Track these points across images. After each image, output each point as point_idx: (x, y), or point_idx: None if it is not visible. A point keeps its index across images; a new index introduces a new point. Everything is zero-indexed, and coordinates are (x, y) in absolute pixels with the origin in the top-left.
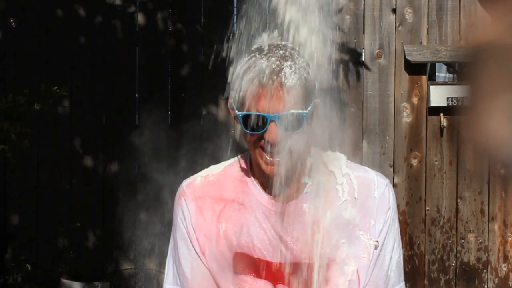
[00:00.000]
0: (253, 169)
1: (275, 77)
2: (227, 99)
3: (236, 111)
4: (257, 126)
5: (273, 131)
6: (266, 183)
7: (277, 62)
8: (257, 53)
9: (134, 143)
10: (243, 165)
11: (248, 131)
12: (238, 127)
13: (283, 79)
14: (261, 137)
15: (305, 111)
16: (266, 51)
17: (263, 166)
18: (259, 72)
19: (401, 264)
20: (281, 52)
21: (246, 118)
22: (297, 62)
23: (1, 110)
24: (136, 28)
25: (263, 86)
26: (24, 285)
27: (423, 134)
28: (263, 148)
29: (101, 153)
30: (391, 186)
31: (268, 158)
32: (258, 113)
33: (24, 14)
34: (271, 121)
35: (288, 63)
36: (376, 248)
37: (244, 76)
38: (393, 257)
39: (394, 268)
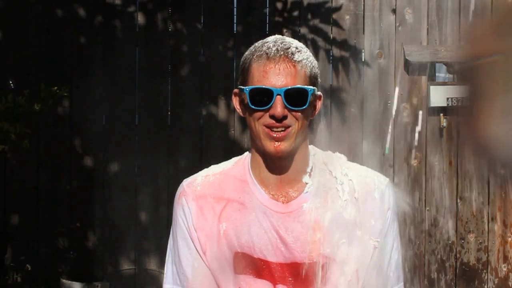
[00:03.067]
0: (253, 169)
1: (282, 52)
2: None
3: (243, 87)
4: (263, 100)
5: (279, 105)
6: (267, 181)
7: (284, 42)
8: (264, 40)
9: (134, 143)
10: (244, 165)
11: (254, 107)
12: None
13: (290, 55)
14: (266, 113)
15: (310, 87)
16: (272, 38)
17: (268, 146)
18: (267, 49)
19: (400, 264)
20: (287, 38)
21: (252, 93)
22: (303, 47)
23: (1, 110)
24: (136, 28)
25: (270, 60)
26: (24, 285)
27: (423, 134)
28: (268, 126)
29: (101, 153)
30: (391, 186)
31: (273, 134)
32: (264, 87)
33: (24, 14)
34: (277, 95)
35: (294, 44)
36: (375, 248)
37: (251, 56)
38: (392, 257)
39: (394, 269)
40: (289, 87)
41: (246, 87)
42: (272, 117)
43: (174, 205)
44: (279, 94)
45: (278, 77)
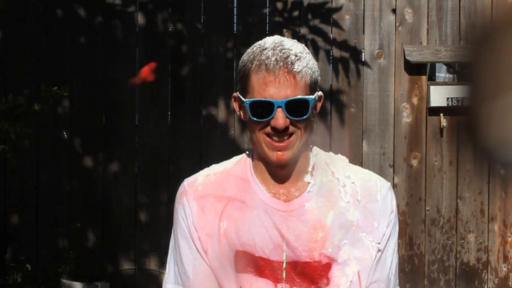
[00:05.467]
0: (255, 167)
1: (281, 63)
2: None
3: (243, 99)
4: (264, 112)
5: (280, 117)
6: (269, 180)
7: (284, 50)
8: (262, 44)
9: (134, 143)
10: (245, 164)
11: (255, 119)
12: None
13: (289, 65)
14: (268, 125)
15: (311, 97)
16: (271, 42)
17: (270, 155)
18: (266, 59)
19: (397, 267)
20: (285, 42)
21: (253, 106)
22: (302, 52)
23: (1, 110)
24: (136, 28)
25: (269, 73)
26: (24, 285)
27: (423, 134)
28: (269, 135)
29: (101, 153)
30: (392, 190)
31: (275, 143)
32: (265, 99)
33: (24, 14)
34: (278, 107)
35: (294, 51)
36: (379, 250)
37: (250, 64)
38: (393, 260)
39: (394, 272)
40: (290, 99)
41: (247, 100)
42: (274, 128)
43: (175, 205)
44: (280, 106)
45: (278, 89)
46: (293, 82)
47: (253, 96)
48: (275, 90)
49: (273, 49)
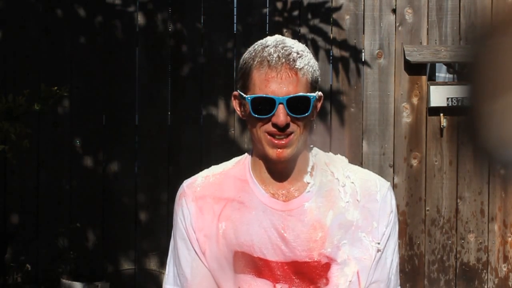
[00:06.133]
0: (254, 167)
1: (284, 60)
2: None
3: (244, 95)
4: (265, 109)
5: (282, 114)
6: (268, 180)
7: (285, 48)
8: (264, 42)
9: (134, 143)
10: (244, 165)
11: (256, 115)
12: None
13: (291, 62)
14: (269, 122)
15: (313, 94)
16: (272, 40)
17: (269, 152)
18: (268, 55)
19: (398, 267)
20: (287, 41)
21: (254, 102)
22: (304, 50)
23: (1, 110)
24: (136, 28)
25: (272, 69)
26: (24, 285)
27: (423, 134)
28: (270, 134)
29: (101, 153)
30: (392, 190)
31: (275, 141)
32: (266, 96)
33: (24, 14)
34: (279, 104)
35: (295, 49)
36: (378, 250)
37: (252, 61)
38: (393, 260)
39: (394, 272)
40: (292, 96)
41: (248, 95)
42: (275, 125)
43: (174, 206)
44: (282, 103)
45: (280, 86)
46: (295, 78)
47: (254, 93)
48: (277, 86)
49: (275, 46)
